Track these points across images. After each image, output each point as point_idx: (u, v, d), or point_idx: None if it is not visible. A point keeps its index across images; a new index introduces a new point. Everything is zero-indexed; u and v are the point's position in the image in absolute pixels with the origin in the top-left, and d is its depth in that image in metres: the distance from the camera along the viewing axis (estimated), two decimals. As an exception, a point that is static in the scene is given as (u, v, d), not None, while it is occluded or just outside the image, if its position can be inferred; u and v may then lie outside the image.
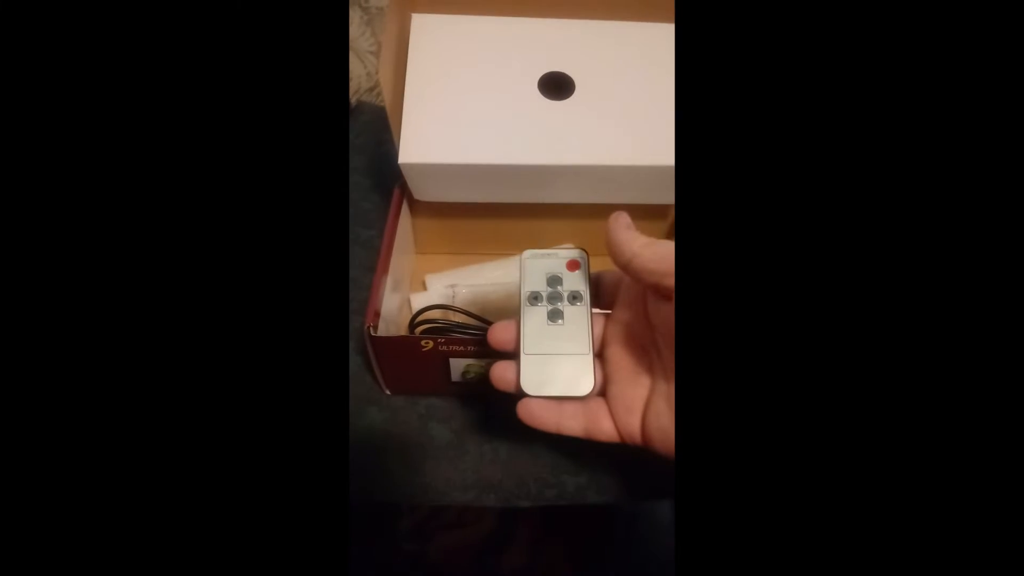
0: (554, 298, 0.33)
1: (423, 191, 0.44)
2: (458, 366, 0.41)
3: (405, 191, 0.45)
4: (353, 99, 0.71)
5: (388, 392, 0.45)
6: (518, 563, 0.56)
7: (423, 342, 0.38)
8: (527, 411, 0.31)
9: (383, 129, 0.43)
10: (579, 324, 0.32)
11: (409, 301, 0.50)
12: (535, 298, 0.33)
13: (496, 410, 0.45)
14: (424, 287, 0.51)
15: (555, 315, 0.32)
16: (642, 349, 0.30)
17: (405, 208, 0.47)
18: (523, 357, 0.31)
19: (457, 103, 0.42)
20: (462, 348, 0.39)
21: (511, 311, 0.34)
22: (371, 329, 0.37)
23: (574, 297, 0.33)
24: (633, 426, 0.30)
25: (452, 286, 0.49)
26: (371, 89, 0.75)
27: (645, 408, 0.30)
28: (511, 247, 0.52)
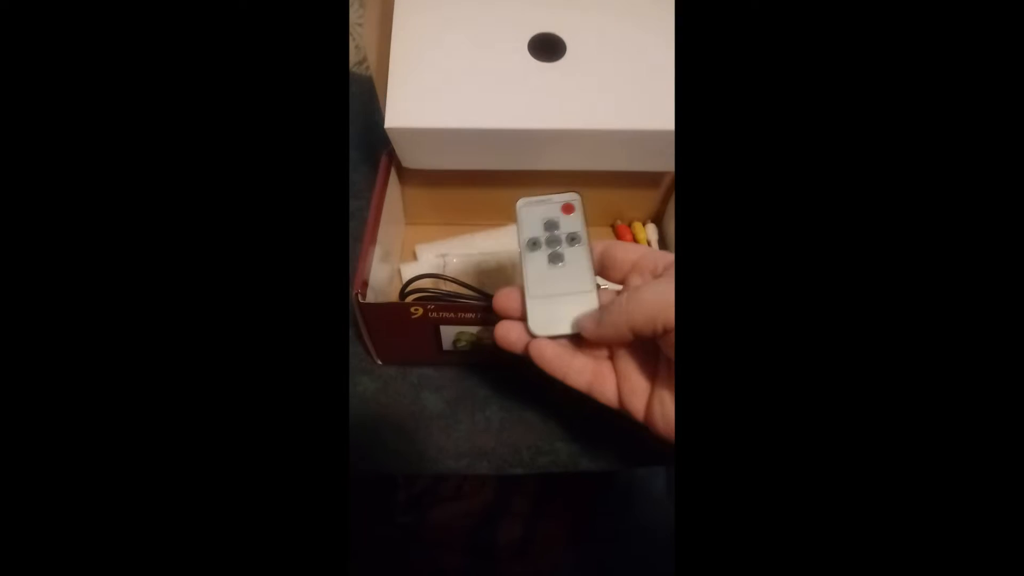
0: (552, 242, 0.33)
1: (411, 158, 0.43)
2: (449, 334, 0.40)
3: (393, 159, 0.45)
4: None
5: (379, 362, 0.45)
6: (514, 536, 0.56)
7: (412, 309, 0.38)
8: (539, 351, 0.31)
9: (371, 100, 0.42)
10: (580, 264, 0.32)
11: (400, 271, 0.49)
12: (534, 244, 0.33)
13: (489, 379, 0.45)
14: (415, 257, 0.50)
15: (555, 258, 0.33)
16: (647, 354, 0.31)
17: (394, 177, 0.47)
18: (528, 300, 0.31)
19: (444, 65, 0.41)
20: (452, 315, 0.38)
21: (503, 281, 0.33)
22: (359, 296, 0.37)
23: (572, 239, 0.33)
24: (635, 406, 0.30)
25: (443, 255, 0.49)
26: (360, 62, 0.73)
27: (650, 396, 0.30)
28: (502, 217, 0.51)
